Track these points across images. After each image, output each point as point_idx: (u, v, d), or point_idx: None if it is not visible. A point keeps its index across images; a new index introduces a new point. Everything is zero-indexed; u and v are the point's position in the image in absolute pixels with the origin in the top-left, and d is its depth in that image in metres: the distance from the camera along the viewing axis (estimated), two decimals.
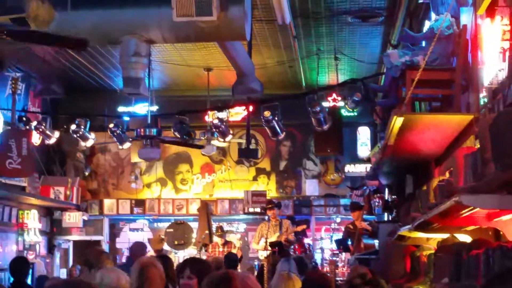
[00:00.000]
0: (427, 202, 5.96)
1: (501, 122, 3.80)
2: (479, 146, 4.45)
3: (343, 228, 15.21)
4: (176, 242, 16.50)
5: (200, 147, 14.70)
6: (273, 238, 14.24)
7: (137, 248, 10.34)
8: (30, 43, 7.87)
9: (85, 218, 17.33)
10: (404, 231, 7.05)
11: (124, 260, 16.56)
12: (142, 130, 12.36)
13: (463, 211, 4.29)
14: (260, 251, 14.69)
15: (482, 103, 6.42)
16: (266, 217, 15.28)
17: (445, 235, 5.91)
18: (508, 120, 3.75)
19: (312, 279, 6.20)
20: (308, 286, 6.19)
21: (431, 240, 6.99)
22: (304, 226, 14.99)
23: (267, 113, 12.52)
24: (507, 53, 5.46)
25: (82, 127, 13.80)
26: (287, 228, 14.56)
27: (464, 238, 5.53)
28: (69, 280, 3.19)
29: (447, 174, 6.50)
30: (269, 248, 13.79)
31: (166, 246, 16.38)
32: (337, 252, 14.35)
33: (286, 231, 14.42)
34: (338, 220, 16.96)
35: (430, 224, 5.56)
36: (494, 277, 2.66)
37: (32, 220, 15.31)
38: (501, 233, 4.88)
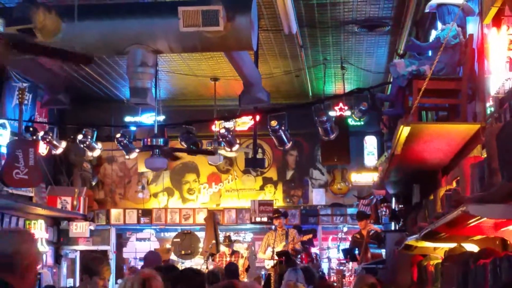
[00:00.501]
0: (434, 212, 5.95)
1: (508, 131, 3.80)
2: (486, 155, 4.45)
3: (350, 238, 15.20)
4: (183, 252, 16.50)
5: (210, 152, 14.70)
6: (279, 247, 14.22)
7: (152, 258, 10.34)
8: (35, 54, 7.87)
9: (92, 228, 17.35)
10: (411, 240, 7.05)
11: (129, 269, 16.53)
12: (149, 140, 12.35)
13: (470, 221, 4.29)
14: (267, 261, 14.67)
15: (488, 112, 6.42)
16: (273, 227, 15.28)
17: (452, 245, 5.90)
18: None
19: None
20: None
21: (438, 249, 6.98)
22: (310, 236, 14.97)
23: (273, 123, 12.52)
24: None
25: (89, 137, 13.81)
26: (294, 237, 14.54)
27: (471, 247, 5.52)
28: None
29: (454, 184, 6.50)
30: (276, 258, 13.79)
31: (173, 256, 16.39)
32: (344, 261, 14.35)
33: (293, 240, 14.40)
34: (345, 229, 16.95)
35: (437, 234, 5.56)
36: (503, 286, 2.65)
37: (39, 230, 15.33)
38: (508, 242, 4.87)
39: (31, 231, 15.00)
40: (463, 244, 5.66)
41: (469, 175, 4.67)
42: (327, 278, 14.67)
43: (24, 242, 3.55)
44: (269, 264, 14.45)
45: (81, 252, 17.66)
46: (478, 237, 5.28)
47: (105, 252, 17.48)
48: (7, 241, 3.55)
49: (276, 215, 14.92)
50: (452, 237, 5.54)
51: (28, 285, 3.52)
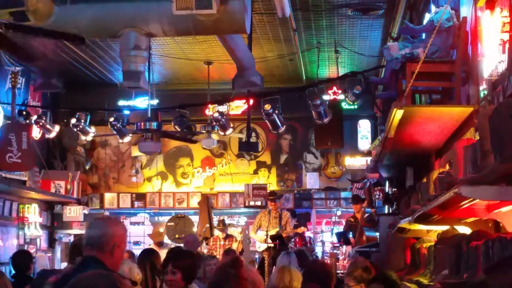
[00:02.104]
0: (427, 194, 5.95)
1: (500, 113, 3.80)
2: (478, 138, 4.45)
3: (343, 221, 15.22)
4: (177, 236, 16.50)
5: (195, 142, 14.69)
6: (272, 232, 14.26)
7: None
8: (28, 34, 7.84)
9: (86, 212, 17.34)
10: (404, 223, 7.06)
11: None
12: (142, 123, 12.35)
13: (463, 203, 4.29)
14: (258, 243, 14.70)
15: (482, 95, 6.43)
16: (268, 208, 15.29)
17: (445, 227, 5.91)
18: (508, 112, 3.75)
19: (313, 269, 6.20)
20: (309, 276, 6.19)
21: (432, 232, 7.00)
22: (304, 229, 15.00)
23: (267, 106, 12.51)
24: (507, 45, 5.45)
25: (82, 121, 13.79)
26: (287, 221, 14.56)
27: (464, 230, 5.53)
28: (100, 272, 3.39)
29: (447, 167, 6.50)
30: (269, 241, 13.82)
31: (167, 240, 16.39)
32: (338, 245, 14.37)
33: (286, 223, 14.42)
34: (339, 213, 16.97)
35: (430, 216, 5.56)
36: (501, 261, 2.66)
37: (33, 214, 15.31)
38: (500, 224, 4.88)
39: (25, 215, 15.05)
40: (456, 227, 5.67)
41: (461, 158, 4.67)
42: None
43: (111, 226, 4.42)
44: (260, 246, 14.48)
45: (75, 236, 17.65)
46: (471, 219, 5.29)
47: None
48: (97, 227, 4.43)
49: (272, 197, 14.94)
50: (445, 219, 5.54)
51: (116, 260, 4.38)
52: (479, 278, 3.75)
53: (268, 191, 16.40)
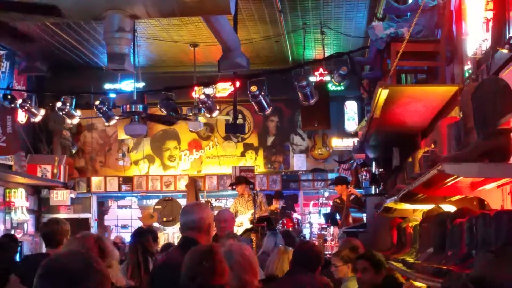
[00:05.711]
0: (412, 173, 5.95)
1: (483, 90, 3.80)
2: (462, 116, 4.45)
3: (331, 202, 15.24)
4: (164, 219, 16.52)
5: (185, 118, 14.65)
6: (248, 214, 14.27)
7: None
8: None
9: (73, 196, 17.33)
10: (390, 202, 7.05)
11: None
12: (128, 106, 12.30)
13: (447, 180, 4.29)
14: (235, 227, 14.68)
15: (466, 74, 6.43)
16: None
17: (430, 206, 5.91)
18: (490, 89, 3.75)
19: (303, 251, 6.19)
20: (298, 258, 6.18)
21: (418, 211, 7.00)
22: (277, 205, 14.99)
23: (253, 88, 12.48)
24: (490, 23, 5.45)
25: (68, 104, 13.72)
26: (261, 201, 14.56)
27: (449, 208, 5.53)
28: (74, 251, 3.34)
29: (433, 146, 6.50)
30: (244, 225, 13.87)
31: (155, 223, 16.39)
32: (326, 226, 14.40)
33: (260, 203, 14.43)
34: (326, 194, 17.00)
35: (415, 195, 5.56)
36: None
37: (20, 198, 15.29)
38: (485, 202, 4.89)
39: (12, 199, 15.02)
40: (441, 205, 5.67)
41: (445, 136, 4.67)
42: None
43: (204, 210, 5.16)
44: (238, 230, 14.48)
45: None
46: (456, 197, 5.29)
47: (86, 220, 17.50)
48: (193, 212, 5.12)
49: (236, 182, 14.85)
50: (430, 198, 5.54)
51: (210, 238, 5.23)
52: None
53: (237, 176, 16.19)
